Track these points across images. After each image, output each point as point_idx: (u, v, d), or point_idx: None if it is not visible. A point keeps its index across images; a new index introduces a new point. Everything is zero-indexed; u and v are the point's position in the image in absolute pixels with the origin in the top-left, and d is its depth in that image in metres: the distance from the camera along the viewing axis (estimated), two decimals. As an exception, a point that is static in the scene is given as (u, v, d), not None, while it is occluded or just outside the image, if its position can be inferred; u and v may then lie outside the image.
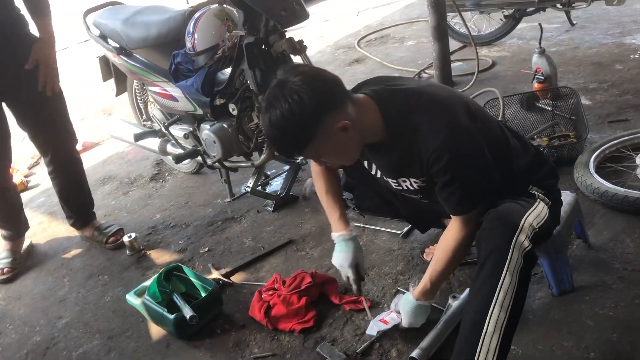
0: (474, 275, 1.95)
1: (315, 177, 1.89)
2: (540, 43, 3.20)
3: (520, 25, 4.30)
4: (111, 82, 3.30)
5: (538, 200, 1.57)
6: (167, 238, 2.73)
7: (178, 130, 2.93)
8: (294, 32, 2.48)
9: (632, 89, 3.17)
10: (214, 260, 2.45)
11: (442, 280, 1.71)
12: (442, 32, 3.56)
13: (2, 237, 2.73)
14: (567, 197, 1.87)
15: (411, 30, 5.33)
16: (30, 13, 2.34)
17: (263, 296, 2.07)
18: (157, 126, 3.13)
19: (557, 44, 4.15)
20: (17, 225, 2.71)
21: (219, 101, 2.61)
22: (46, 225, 3.09)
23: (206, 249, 2.56)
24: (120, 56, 2.92)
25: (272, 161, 2.83)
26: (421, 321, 1.77)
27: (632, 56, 3.65)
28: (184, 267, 2.22)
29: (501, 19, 4.29)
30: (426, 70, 4.07)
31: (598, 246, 2.03)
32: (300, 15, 2.33)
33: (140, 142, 3.12)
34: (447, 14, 3.65)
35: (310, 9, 2.46)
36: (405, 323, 1.77)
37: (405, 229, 2.34)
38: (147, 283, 2.19)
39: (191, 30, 2.51)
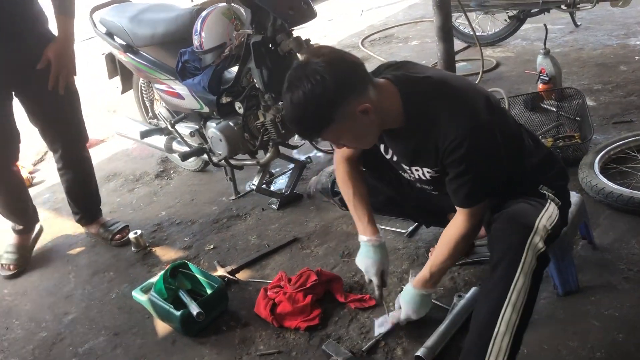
0: (484, 275, 1.99)
1: (341, 182, 1.88)
2: (545, 44, 3.21)
3: (525, 26, 4.31)
4: (117, 80, 3.30)
5: (549, 200, 1.57)
6: (173, 235, 2.74)
7: (184, 128, 2.95)
8: (298, 32, 2.48)
9: (636, 90, 3.18)
10: (219, 258, 2.46)
11: (442, 271, 1.70)
12: (447, 32, 3.56)
13: (12, 229, 2.73)
14: (573, 197, 1.87)
15: (415, 30, 5.33)
16: (55, 9, 2.31)
17: (268, 294, 2.08)
18: (162, 124, 3.14)
19: (562, 45, 4.15)
20: (25, 219, 2.71)
21: (225, 99, 2.62)
22: (51, 221, 3.09)
23: (211, 246, 2.57)
24: (127, 54, 2.93)
25: (277, 159, 2.84)
26: (421, 312, 1.75)
27: (636, 57, 3.66)
28: (189, 264, 2.22)
29: (505, 20, 4.30)
30: (431, 70, 4.07)
31: (603, 247, 2.04)
32: (307, 14, 2.34)
33: (146, 140, 3.13)
34: (452, 14, 3.65)
35: (315, 8, 2.46)
36: (404, 314, 1.76)
37: (410, 228, 2.35)
38: (153, 280, 2.20)
39: (198, 28, 2.52)
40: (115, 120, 3.69)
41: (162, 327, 2.12)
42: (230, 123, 2.65)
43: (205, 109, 2.72)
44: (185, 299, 2.06)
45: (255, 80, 2.50)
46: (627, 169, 2.40)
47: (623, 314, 1.74)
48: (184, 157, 2.81)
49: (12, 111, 2.45)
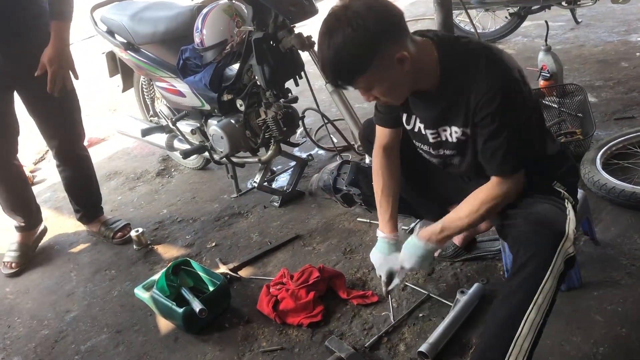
0: (486, 271, 1.99)
1: (374, 174, 1.85)
2: (546, 40, 3.21)
3: (525, 23, 4.31)
4: (117, 78, 3.31)
5: (566, 200, 1.56)
6: (174, 233, 2.74)
7: (185, 126, 2.95)
8: (299, 29, 2.48)
9: (638, 87, 3.18)
10: (221, 255, 2.46)
11: (454, 229, 1.60)
12: (448, 29, 3.56)
13: (14, 227, 2.73)
14: (575, 193, 1.87)
15: (416, 27, 5.27)
16: (50, 12, 2.30)
17: (271, 290, 2.08)
18: (163, 122, 3.14)
19: (563, 42, 4.15)
20: (28, 216, 2.71)
21: (226, 97, 2.62)
22: (53, 220, 3.09)
23: (213, 244, 2.57)
24: (128, 52, 2.93)
25: (278, 157, 2.84)
26: (421, 265, 1.66)
27: (637, 54, 3.66)
28: (192, 261, 2.22)
29: (506, 17, 4.30)
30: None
31: (606, 242, 2.03)
32: (309, 11, 2.33)
33: (147, 138, 3.13)
34: (453, 12, 3.65)
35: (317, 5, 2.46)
36: (401, 261, 1.69)
37: (412, 225, 2.34)
38: (155, 277, 2.19)
39: (200, 25, 2.51)
40: (116, 119, 3.69)
41: (164, 325, 2.12)
42: (232, 120, 2.65)
43: (207, 107, 2.72)
44: (188, 296, 2.06)
45: (256, 78, 2.50)
46: (629, 165, 2.40)
47: (626, 308, 1.74)
48: (185, 154, 2.81)
49: (12, 106, 2.47)
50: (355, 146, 2.76)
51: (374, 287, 2.07)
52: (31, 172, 3.76)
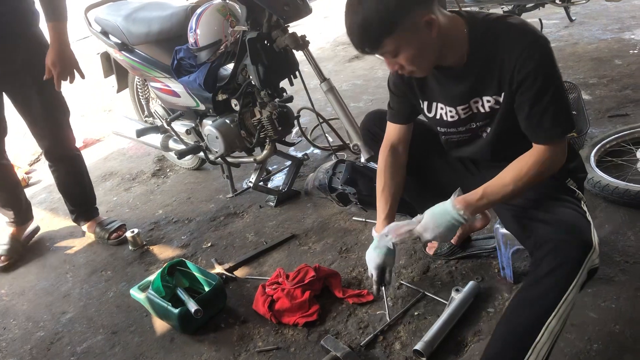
0: (482, 269, 2.00)
1: (378, 172, 1.84)
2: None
3: (520, 21, 4.31)
4: (112, 79, 3.30)
5: (582, 202, 1.56)
6: (170, 233, 2.74)
7: (180, 126, 2.95)
8: (294, 29, 2.48)
9: (631, 84, 3.19)
10: (217, 255, 2.46)
11: (497, 198, 1.51)
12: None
13: (5, 223, 2.80)
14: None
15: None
16: (46, 16, 2.31)
17: (267, 290, 2.08)
18: (158, 122, 3.14)
19: (557, 40, 4.16)
20: (17, 212, 2.76)
21: (221, 97, 2.62)
22: (48, 221, 3.09)
23: (209, 244, 2.57)
24: (122, 52, 2.93)
25: (274, 157, 2.84)
26: (447, 236, 1.57)
27: (631, 51, 3.67)
28: (187, 261, 2.22)
29: (501, 15, 4.30)
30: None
31: (600, 239, 2.02)
32: (303, 10, 2.33)
33: (142, 138, 3.13)
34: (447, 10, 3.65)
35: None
36: (427, 234, 1.56)
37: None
38: (151, 278, 2.19)
39: (194, 25, 2.51)
40: (111, 120, 3.69)
41: (160, 325, 2.12)
42: (227, 120, 2.65)
43: (201, 107, 2.72)
44: (183, 296, 2.06)
45: (251, 77, 2.50)
46: (623, 162, 2.41)
47: (620, 305, 1.74)
48: (180, 155, 2.81)
49: (2, 106, 2.49)
50: (351, 145, 2.76)
51: (369, 286, 2.07)
52: (26, 173, 3.76)
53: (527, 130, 1.48)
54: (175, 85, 2.76)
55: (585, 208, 1.56)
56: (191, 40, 2.55)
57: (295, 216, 2.64)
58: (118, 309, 2.27)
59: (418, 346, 1.70)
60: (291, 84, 2.60)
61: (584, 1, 4.08)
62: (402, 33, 1.37)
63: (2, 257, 2.69)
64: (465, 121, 1.62)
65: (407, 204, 2.00)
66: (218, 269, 2.32)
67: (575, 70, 3.57)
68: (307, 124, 3.52)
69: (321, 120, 2.96)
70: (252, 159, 2.75)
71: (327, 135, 3.11)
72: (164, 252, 2.59)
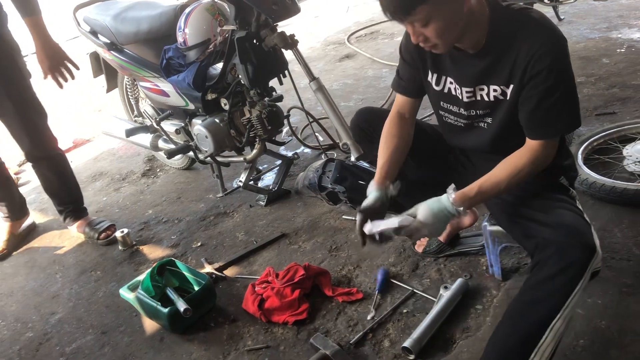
0: (474, 267, 2.01)
1: (382, 137, 1.79)
2: (528, 37, 3.22)
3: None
4: (102, 79, 3.29)
5: (576, 200, 1.58)
6: (160, 233, 2.73)
7: (170, 126, 2.94)
8: (283, 29, 2.48)
9: (618, 83, 3.21)
10: (206, 255, 2.46)
11: (491, 194, 1.54)
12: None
13: (1, 218, 2.86)
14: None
15: (401, 26, 5.26)
16: (19, 12, 2.31)
17: (256, 289, 2.08)
18: (148, 122, 3.13)
19: (546, 39, 4.18)
20: (12, 208, 2.81)
21: (210, 96, 2.61)
22: (37, 221, 3.07)
23: (199, 244, 2.57)
24: (111, 52, 2.92)
25: (264, 156, 2.84)
26: (437, 227, 1.57)
27: (618, 50, 3.70)
28: (177, 261, 2.22)
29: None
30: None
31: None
32: (291, 10, 2.33)
33: (132, 138, 3.12)
34: None
35: (300, 5, 2.46)
36: (418, 220, 1.54)
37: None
38: (140, 278, 2.19)
39: (182, 25, 2.51)
40: (100, 120, 3.67)
41: (149, 325, 2.11)
42: (216, 120, 2.65)
43: (191, 106, 2.72)
44: (173, 296, 2.06)
45: (240, 76, 2.50)
46: (610, 160, 2.43)
47: (606, 301, 1.76)
48: (170, 154, 2.80)
49: None
50: (340, 144, 2.76)
51: (359, 284, 2.08)
52: (16, 174, 3.74)
53: (528, 123, 1.50)
54: (165, 85, 2.75)
55: (580, 207, 1.57)
56: (180, 39, 2.54)
57: (286, 215, 2.65)
58: (107, 309, 2.26)
59: (407, 343, 1.71)
60: (280, 83, 2.60)
61: (572, 0, 4.12)
62: (437, 3, 1.37)
63: None
64: (468, 106, 1.63)
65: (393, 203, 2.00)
66: (208, 269, 2.32)
67: (563, 69, 3.59)
68: (297, 123, 3.52)
69: (311, 120, 2.96)
70: (242, 159, 2.75)
71: (317, 134, 3.11)
72: (153, 252, 2.59)
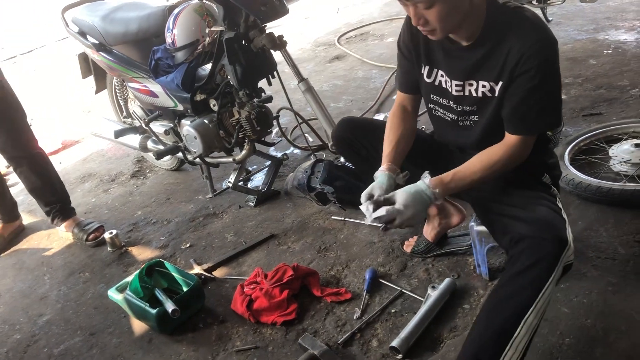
0: (462, 267, 2.02)
1: (386, 127, 1.80)
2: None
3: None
4: (91, 80, 3.27)
5: (557, 198, 1.60)
6: (149, 234, 2.73)
7: (158, 127, 2.93)
8: (273, 30, 2.49)
9: (605, 84, 3.24)
10: (195, 256, 2.46)
11: (464, 183, 1.57)
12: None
13: None
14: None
15: (390, 27, 5.37)
16: None
17: (245, 290, 2.08)
18: (137, 123, 3.12)
19: (534, 40, 4.21)
20: (2, 206, 2.83)
21: (199, 97, 2.61)
22: (25, 223, 3.06)
23: (188, 245, 2.56)
24: (100, 52, 2.90)
25: (253, 157, 2.84)
26: (421, 212, 1.56)
27: (605, 51, 3.73)
28: (165, 262, 2.21)
29: (479, 16, 4.34)
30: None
31: (573, 236, 2.04)
32: (280, 11, 2.34)
33: (121, 139, 3.11)
34: None
35: (290, 6, 2.46)
36: (397, 206, 1.53)
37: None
38: (129, 279, 2.18)
39: (171, 26, 2.51)
40: (89, 121, 3.66)
41: (138, 326, 2.11)
42: (205, 120, 2.65)
43: (180, 107, 2.72)
44: (161, 297, 2.05)
45: (229, 77, 2.50)
46: (596, 160, 2.45)
47: (591, 300, 1.78)
48: (159, 155, 2.80)
49: None
50: (329, 145, 2.77)
51: (347, 285, 2.09)
52: (4, 175, 3.70)
53: (509, 117, 1.53)
54: (153, 86, 2.74)
55: (560, 205, 1.60)
56: (169, 40, 2.54)
57: (275, 216, 2.65)
58: (96, 311, 2.26)
59: (394, 343, 1.72)
60: (269, 83, 2.60)
61: (560, 2, 4.15)
62: None
63: None
64: (457, 100, 1.65)
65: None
66: (197, 270, 2.31)
67: (551, 70, 3.62)
68: (287, 124, 3.52)
69: (300, 121, 2.97)
70: (231, 159, 2.74)
71: (306, 135, 3.12)
72: (142, 253, 2.58)
